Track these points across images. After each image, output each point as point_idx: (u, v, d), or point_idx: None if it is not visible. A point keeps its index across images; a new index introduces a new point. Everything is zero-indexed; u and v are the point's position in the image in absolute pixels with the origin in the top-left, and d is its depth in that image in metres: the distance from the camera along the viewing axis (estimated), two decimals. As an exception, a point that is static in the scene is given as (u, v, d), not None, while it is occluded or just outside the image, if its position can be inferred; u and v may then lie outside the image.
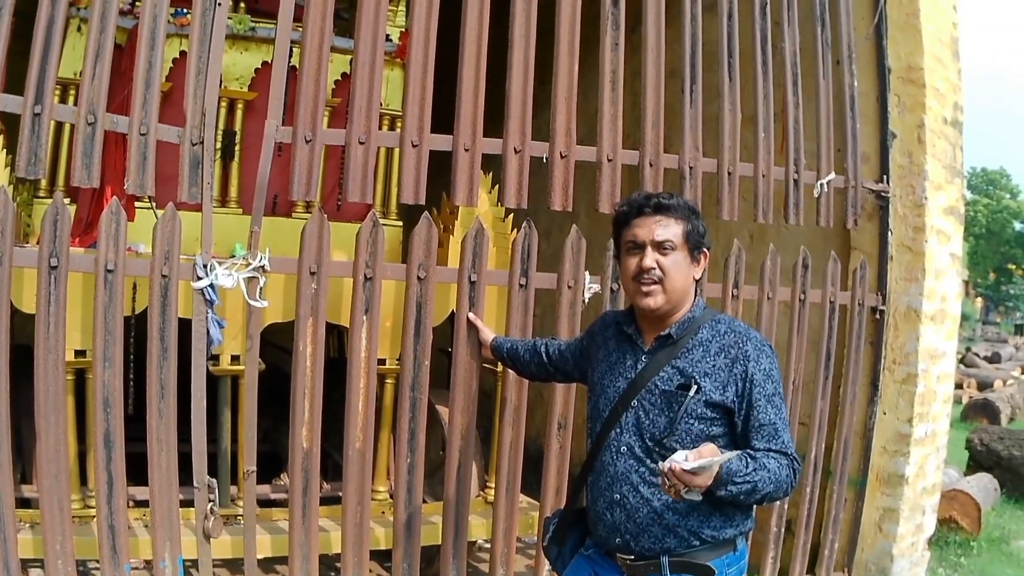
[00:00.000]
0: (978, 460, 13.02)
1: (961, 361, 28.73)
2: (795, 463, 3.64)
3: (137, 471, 5.29)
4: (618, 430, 3.85)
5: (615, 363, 4.00)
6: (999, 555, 9.79)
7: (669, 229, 3.81)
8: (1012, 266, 79.16)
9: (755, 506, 3.84)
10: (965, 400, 20.54)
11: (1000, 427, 15.72)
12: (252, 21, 7.27)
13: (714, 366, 3.73)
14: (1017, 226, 79.88)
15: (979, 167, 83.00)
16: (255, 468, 5.40)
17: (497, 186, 6.01)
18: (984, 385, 24.11)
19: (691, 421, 3.69)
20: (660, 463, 3.34)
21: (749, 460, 3.52)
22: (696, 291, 3.96)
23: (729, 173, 6.40)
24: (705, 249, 3.90)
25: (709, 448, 3.37)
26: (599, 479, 3.91)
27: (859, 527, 7.27)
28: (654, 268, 3.80)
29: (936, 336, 7.24)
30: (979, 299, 76.78)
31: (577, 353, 4.55)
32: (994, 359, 32.92)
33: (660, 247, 3.81)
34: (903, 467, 7.10)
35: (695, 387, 3.68)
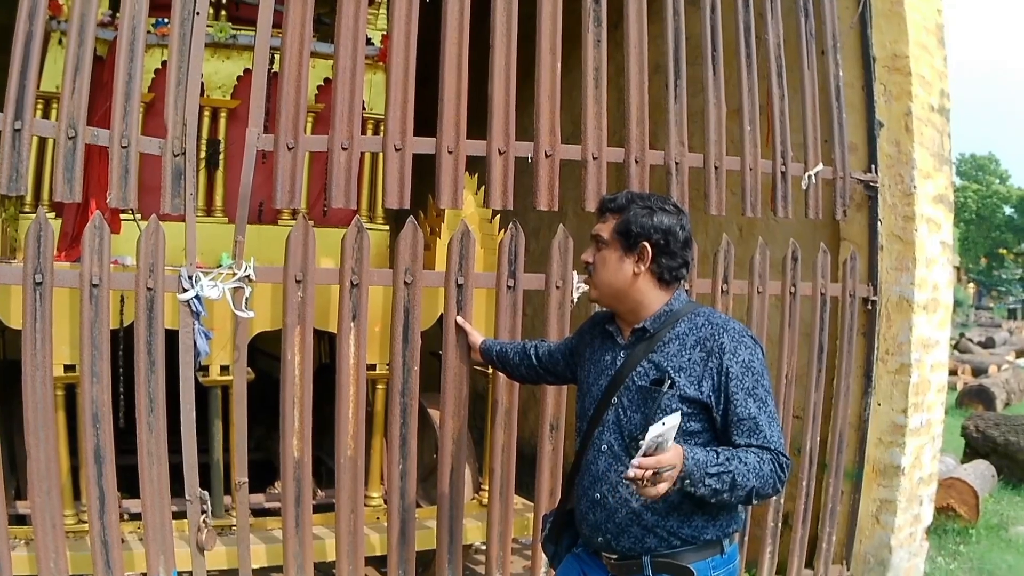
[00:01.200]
0: (974, 447, 13.04)
1: (955, 347, 28.81)
2: (781, 457, 3.57)
3: (130, 483, 5.27)
4: (601, 428, 3.86)
5: (598, 360, 4.02)
6: (998, 542, 9.81)
7: (605, 225, 3.90)
8: (1003, 251, 79.40)
9: (743, 506, 3.82)
10: (960, 386, 20.56)
11: (996, 413, 15.76)
12: (233, 29, 7.26)
13: (689, 360, 3.71)
14: (1007, 211, 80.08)
15: (968, 153, 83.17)
16: (247, 479, 5.38)
17: (483, 187, 6.00)
18: (979, 371, 24.19)
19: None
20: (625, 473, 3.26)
21: (720, 451, 3.49)
22: (669, 284, 3.90)
23: (716, 168, 6.38)
24: (644, 242, 3.79)
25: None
26: (583, 478, 3.93)
27: (856, 519, 7.26)
28: (588, 263, 3.95)
29: (929, 325, 7.24)
30: (971, 285, 76.94)
31: (568, 353, 4.55)
32: (988, 344, 33.05)
33: (596, 243, 3.93)
34: (899, 458, 7.10)
35: (668, 382, 3.66)
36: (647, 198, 3.91)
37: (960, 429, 13.47)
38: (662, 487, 3.21)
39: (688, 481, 3.34)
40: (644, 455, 3.17)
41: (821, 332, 6.89)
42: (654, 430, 3.18)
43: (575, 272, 5.88)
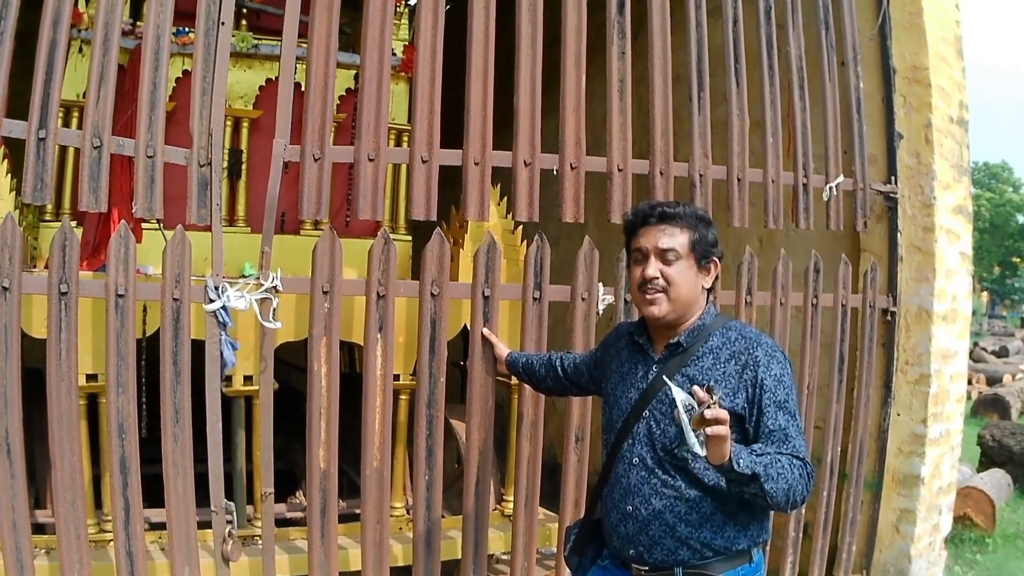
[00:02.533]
0: (990, 456, 13.04)
1: (969, 356, 28.70)
2: (807, 467, 3.57)
3: (153, 492, 5.27)
4: (630, 441, 3.85)
5: (627, 373, 4.01)
6: (1014, 551, 9.80)
7: (674, 238, 3.82)
8: (1017, 259, 78.98)
9: (771, 513, 3.81)
10: (975, 396, 20.50)
11: (1011, 422, 15.72)
12: (255, 38, 7.25)
13: (724, 373, 3.73)
14: (1020, 219, 79.63)
15: (981, 161, 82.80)
16: (272, 490, 5.38)
17: (506, 198, 6.00)
18: (993, 380, 24.12)
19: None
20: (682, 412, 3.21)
21: (757, 446, 3.50)
22: (708, 299, 3.95)
23: (739, 180, 6.38)
24: (715, 258, 3.89)
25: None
26: (613, 491, 3.93)
27: (876, 529, 7.26)
28: (657, 278, 3.82)
29: (948, 336, 7.23)
30: (985, 293, 76.68)
31: (592, 365, 4.55)
32: (1002, 353, 32.93)
33: (664, 256, 3.82)
34: (918, 468, 7.09)
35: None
36: (699, 210, 3.95)
37: (976, 438, 13.46)
38: (725, 447, 3.22)
39: (737, 454, 3.31)
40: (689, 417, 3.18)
41: (842, 343, 6.89)
42: (679, 395, 3.20)
43: (600, 284, 5.89)
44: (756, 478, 3.34)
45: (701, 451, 3.22)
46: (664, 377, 3.45)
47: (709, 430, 3.14)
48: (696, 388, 3.18)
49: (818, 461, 6.80)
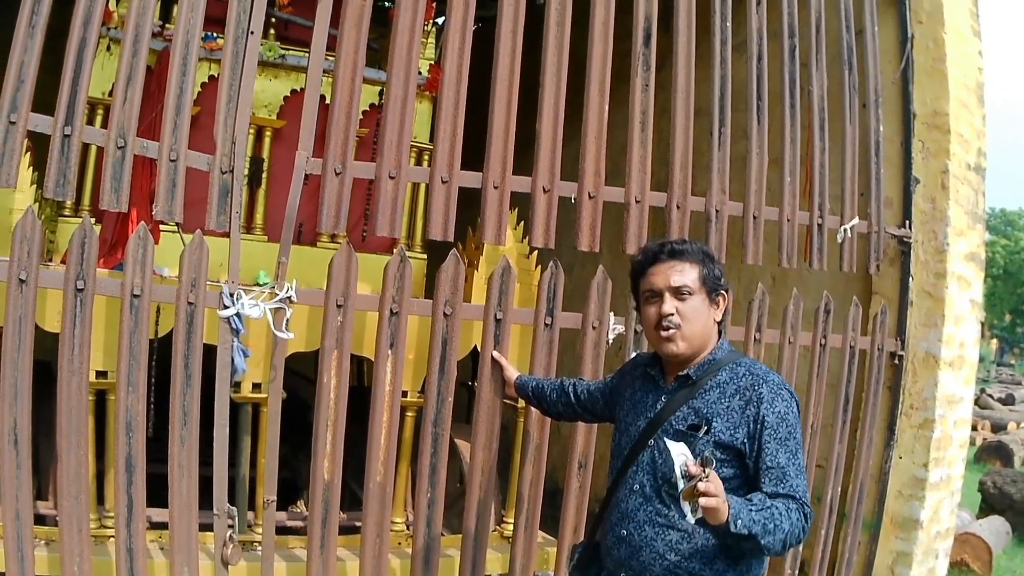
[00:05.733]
0: (991, 502, 13.04)
1: (975, 402, 28.63)
2: (805, 507, 3.59)
3: (156, 492, 5.29)
4: (635, 468, 3.91)
5: (638, 402, 4.07)
6: (1009, 598, 9.80)
7: (685, 275, 3.88)
8: (1029, 308, 78.59)
9: (771, 556, 3.82)
10: (979, 442, 20.48)
11: (1013, 470, 15.70)
12: (282, 48, 7.29)
13: (728, 407, 3.77)
14: (1034, 267, 79.24)
15: (997, 207, 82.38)
16: (275, 498, 5.40)
17: (523, 223, 6.03)
18: (998, 427, 24.09)
19: None
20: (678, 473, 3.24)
21: (754, 497, 3.51)
22: (721, 333, 4.00)
23: (755, 217, 6.40)
24: (723, 291, 3.95)
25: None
26: (612, 514, 3.98)
27: (872, 570, 7.24)
28: (672, 314, 3.87)
29: (954, 382, 7.23)
30: (994, 340, 76.27)
31: (607, 392, 4.59)
32: (1008, 401, 32.77)
33: (677, 293, 3.88)
34: (918, 511, 7.09)
35: (704, 427, 3.73)
36: (704, 246, 4.02)
37: (977, 484, 13.45)
38: (721, 514, 3.23)
39: (735, 514, 3.31)
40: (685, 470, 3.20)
41: (848, 384, 6.90)
42: (675, 448, 3.25)
43: (612, 313, 5.92)
44: (752, 535, 3.37)
45: (692, 518, 3.24)
46: (665, 440, 3.48)
47: (703, 502, 3.16)
48: (689, 462, 3.20)
49: (818, 500, 6.81)
